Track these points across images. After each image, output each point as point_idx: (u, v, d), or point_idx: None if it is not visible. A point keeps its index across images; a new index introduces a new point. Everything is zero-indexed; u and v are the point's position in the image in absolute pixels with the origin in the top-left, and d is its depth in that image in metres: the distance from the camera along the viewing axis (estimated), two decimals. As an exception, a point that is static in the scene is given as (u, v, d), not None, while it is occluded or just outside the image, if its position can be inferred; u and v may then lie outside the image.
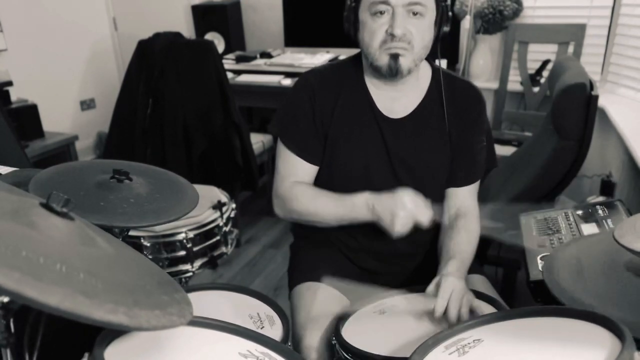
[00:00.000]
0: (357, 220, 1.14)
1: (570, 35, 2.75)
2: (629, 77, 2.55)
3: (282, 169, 1.25)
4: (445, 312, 0.97)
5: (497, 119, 3.01)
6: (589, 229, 1.20)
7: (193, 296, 1.13)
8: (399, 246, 1.21)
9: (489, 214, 1.66)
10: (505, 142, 2.65)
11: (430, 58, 1.24)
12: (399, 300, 1.12)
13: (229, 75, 2.85)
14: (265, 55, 3.36)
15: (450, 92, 1.21)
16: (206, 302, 1.13)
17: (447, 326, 0.96)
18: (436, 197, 1.25)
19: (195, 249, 1.64)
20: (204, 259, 1.69)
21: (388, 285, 1.18)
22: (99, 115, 3.97)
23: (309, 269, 1.27)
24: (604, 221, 1.21)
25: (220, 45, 3.48)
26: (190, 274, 1.66)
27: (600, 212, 1.25)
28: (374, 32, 1.10)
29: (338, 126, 1.21)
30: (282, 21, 3.38)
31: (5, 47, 3.24)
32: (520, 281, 1.84)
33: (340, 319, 1.06)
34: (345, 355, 0.94)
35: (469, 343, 0.79)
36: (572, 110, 1.64)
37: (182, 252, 1.63)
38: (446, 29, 1.15)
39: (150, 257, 1.61)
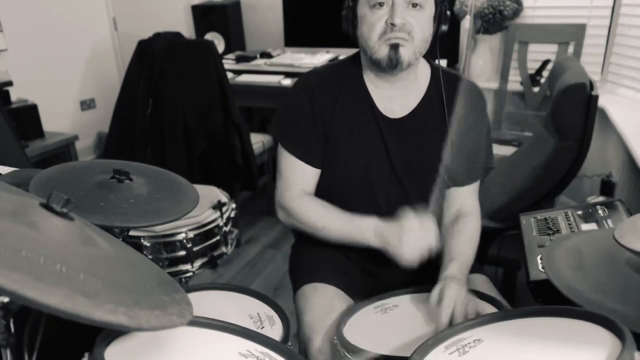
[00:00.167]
0: (361, 243, 1.14)
1: (570, 35, 2.75)
2: (629, 77, 2.55)
3: (284, 173, 1.25)
4: (450, 323, 0.97)
5: (497, 119, 3.01)
6: (589, 228, 1.20)
7: (193, 296, 1.13)
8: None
9: (489, 214, 1.66)
10: (505, 142, 2.65)
11: (430, 58, 1.24)
12: (400, 301, 1.12)
13: (229, 75, 2.85)
14: (265, 55, 3.36)
15: (450, 91, 1.21)
16: (206, 302, 1.13)
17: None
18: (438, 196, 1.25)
19: (195, 249, 1.64)
20: (204, 259, 1.69)
21: (390, 285, 1.18)
22: (99, 115, 3.97)
23: (313, 269, 1.27)
24: (604, 221, 1.21)
25: (220, 45, 3.48)
26: (190, 274, 1.66)
27: (600, 212, 1.25)
28: (373, 24, 1.10)
29: (338, 126, 1.21)
30: (282, 21, 3.38)
31: (5, 47, 3.24)
32: (520, 281, 1.84)
33: (342, 319, 1.06)
34: (347, 354, 0.94)
35: (469, 343, 0.79)
36: (572, 110, 1.64)
37: (182, 252, 1.63)
38: (444, 27, 1.15)
39: (150, 257, 1.61)
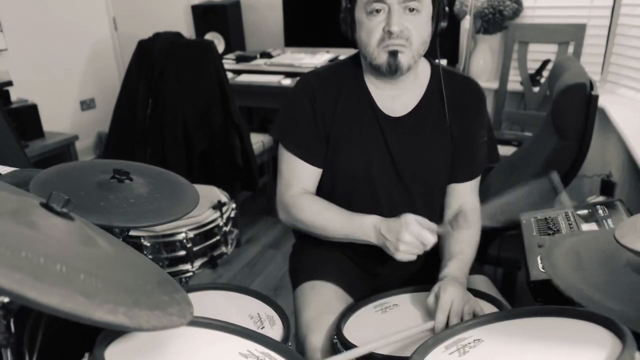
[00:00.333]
0: (361, 240, 1.13)
1: (570, 35, 2.75)
2: (629, 77, 2.55)
3: (285, 173, 1.25)
4: (447, 324, 0.97)
5: (497, 119, 3.01)
6: (589, 228, 1.20)
7: (193, 296, 1.12)
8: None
9: (489, 213, 1.65)
10: (505, 142, 2.64)
11: (430, 57, 1.24)
12: (400, 300, 1.12)
13: (229, 75, 2.85)
14: (265, 55, 3.36)
15: (450, 88, 1.21)
16: (206, 302, 1.13)
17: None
18: (438, 194, 1.25)
19: (195, 249, 1.64)
20: (204, 259, 1.69)
21: (390, 285, 1.18)
22: (99, 115, 3.97)
23: (313, 267, 1.27)
24: (604, 221, 1.21)
25: (220, 45, 3.48)
26: (190, 274, 1.66)
27: (600, 212, 1.25)
28: (371, 30, 1.09)
29: (339, 126, 1.21)
30: (282, 21, 3.38)
31: (5, 47, 3.24)
32: (520, 281, 1.84)
33: (342, 318, 1.06)
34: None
35: (469, 343, 0.79)
36: (572, 110, 1.64)
37: (182, 252, 1.63)
38: (444, 24, 1.14)
39: (150, 257, 1.61)
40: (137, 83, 2.57)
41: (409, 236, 1.02)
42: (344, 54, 3.12)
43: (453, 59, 3.00)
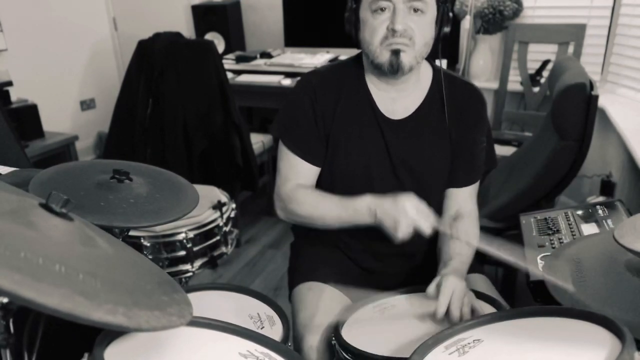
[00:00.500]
0: (359, 223, 1.13)
1: (570, 35, 2.75)
2: (629, 77, 2.55)
3: (283, 170, 1.25)
4: (447, 313, 0.97)
5: (497, 119, 3.01)
6: (589, 229, 1.20)
7: (193, 296, 1.13)
8: (399, 246, 1.21)
9: (489, 214, 1.66)
10: (505, 142, 2.65)
11: (431, 58, 1.24)
12: (399, 300, 1.12)
13: (229, 75, 2.85)
14: (265, 55, 3.36)
15: (451, 93, 1.21)
16: (206, 302, 1.13)
17: (447, 326, 0.96)
18: (437, 198, 1.25)
19: (195, 249, 1.65)
20: (204, 259, 1.69)
21: (388, 285, 1.18)
22: (99, 115, 3.97)
23: (310, 268, 1.27)
24: (604, 221, 1.21)
25: (220, 45, 3.48)
26: (190, 274, 1.66)
27: (600, 212, 1.25)
28: (375, 29, 1.10)
29: (339, 127, 1.21)
30: (282, 21, 3.38)
31: (5, 47, 3.24)
32: (520, 281, 1.84)
33: (340, 319, 1.06)
34: (345, 355, 0.94)
35: (469, 343, 0.79)
36: (572, 110, 1.64)
37: (182, 252, 1.63)
38: (447, 29, 1.15)
39: (150, 257, 1.61)
40: (137, 83, 2.57)
41: (406, 220, 1.02)
42: (344, 54, 3.12)
43: (453, 59, 3.00)
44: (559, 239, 1.18)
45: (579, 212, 1.27)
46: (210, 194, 1.79)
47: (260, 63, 3.27)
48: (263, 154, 2.98)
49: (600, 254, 0.94)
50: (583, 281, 0.87)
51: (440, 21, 1.13)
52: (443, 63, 1.25)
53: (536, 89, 2.89)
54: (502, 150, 2.47)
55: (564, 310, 0.80)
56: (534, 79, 2.90)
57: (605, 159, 2.50)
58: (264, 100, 3.17)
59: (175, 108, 2.55)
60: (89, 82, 3.95)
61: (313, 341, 1.07)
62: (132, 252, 0.79)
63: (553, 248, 1.14)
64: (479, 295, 1.09)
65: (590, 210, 1.27)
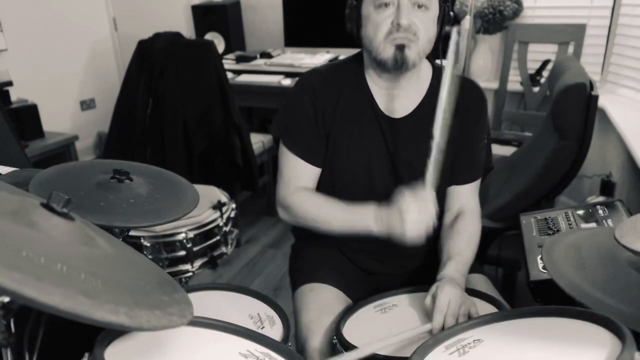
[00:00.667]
0: (363, 231, 1.12)
1: (570, 35, 2.75)
2: (629, 77, 2.55)
3: (285, 171, 1.25)
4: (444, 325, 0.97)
5: (497, 119, 3.01)
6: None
7: (193, 296, 1.12)
8: (400, 247, 1.21)
9: (489, 214, 1.66)
10: (505, 142, 2.64)
11: (432, 58, 1.24)
12: (399, 300, 1.12)
13: (229, 75, 2.85)
14: (265, 55, 3.36)
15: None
16: (206, 302, 1.13)
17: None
18: (437, 196, 1.25)
19: (195, 249, 1.65)
20: (204, 259, 1.69)
21: (389, 285, 1.18)
22: (99, 115, 3.97)
23: (312, 269, 1.27)
24: (604, 221, 1.21)
25: (220, 45, 3.48)
26: (190, 274, 1.66)
27: (600, 212, 1.25)
28: (378, 24, 1.09)
29: (339, 126, 1.21)
30: (282, 21, 3.38)
31: (5, 47, 3.24)
32: (520, 281, 1.84)
33: (341, 319, 1.06)
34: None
35: (469, 343, 0.79)
36: (572, 110, 1.64)
37: (182, 252, 1.63)
38: (448, 28, 1.15)
39: (150, 257, 1.61)
40: (137, 83, 2.57)
41: (413, 216, 1.02)
42: (344, 54, 3.12)
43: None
44: (559, 239, 1.18)
45: (579, 212, 1.28)
46: (210, 194, 1.79)
47: (260, 63, 3.27)
48: (263, 154, 2.98)
49: (600, 245, 0.94)
50: (583, 267, 0.87)
51: (441, 20, 1.14)
52: (444, 63, 1.25)
53: (536, 89, 2.89)
54: (502, 150, 2.47)
55: (564, 310, 0.80)
56: (534, 79, 2.90)
57: (605, 159, 2.50)
58: (264, 100, 3.17)
59: (175, 108, 2.55)
60: (89, 82, 3.95)
61: (317, 343, 1.07)
62: (132, 252, 0.80)
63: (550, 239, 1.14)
64: (479, 295, 1.09)
65: (590, 210, 1.27)
